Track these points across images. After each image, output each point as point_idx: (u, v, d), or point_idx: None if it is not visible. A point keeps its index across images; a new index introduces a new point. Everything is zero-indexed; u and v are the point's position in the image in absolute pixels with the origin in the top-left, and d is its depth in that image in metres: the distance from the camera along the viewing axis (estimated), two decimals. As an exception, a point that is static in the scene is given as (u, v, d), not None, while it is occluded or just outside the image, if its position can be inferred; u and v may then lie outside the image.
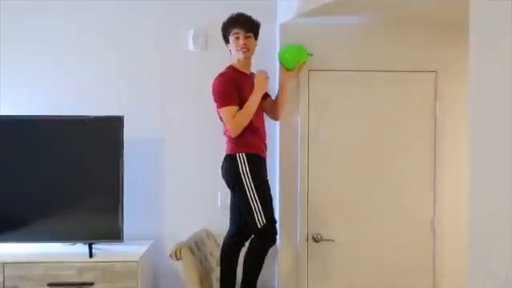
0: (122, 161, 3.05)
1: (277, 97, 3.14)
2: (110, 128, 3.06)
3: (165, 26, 3.35)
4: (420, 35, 3.25)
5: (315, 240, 3.26)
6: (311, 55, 3.13)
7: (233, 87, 2.82)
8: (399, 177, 3.30)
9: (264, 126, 3.01)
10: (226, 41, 2.95)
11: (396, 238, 3.29)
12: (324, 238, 3.26)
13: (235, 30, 2.88)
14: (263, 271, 2.85)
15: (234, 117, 2.81)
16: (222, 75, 2.87)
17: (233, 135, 2.82)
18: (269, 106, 3.13)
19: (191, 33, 3.33)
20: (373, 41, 3.26)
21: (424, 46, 3.25)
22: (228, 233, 2.99)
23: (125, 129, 3.08)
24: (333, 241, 3.26)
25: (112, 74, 3.34)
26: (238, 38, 2.87)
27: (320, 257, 3.27)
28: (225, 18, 2.94)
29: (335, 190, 3.28)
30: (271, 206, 2.84)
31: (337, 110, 3.29)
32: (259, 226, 2.76)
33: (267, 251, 2.82)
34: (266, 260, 2.93)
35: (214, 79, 2.87)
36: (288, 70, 3.11)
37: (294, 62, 3.08)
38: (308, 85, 3.27)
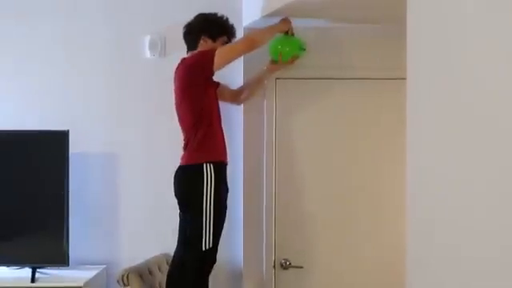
0: (68, 178, 2.85)
1: (251, 83, 2.96)
2: (54, 143, 2.86)
3: (119, 32, 3.11)
4: (392, 41, 2.91)
5: (283, 267, 2.97)
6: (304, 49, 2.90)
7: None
8: (376, 195, 3.00)
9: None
10: (210, 34, 2.76)
11: (371, 265, 2.97)
12: (293, 264, 2.97)
13: (226, 39, 2.83)
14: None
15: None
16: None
17: (216, 61, 2.59)
18: (227, 92, 2.96)
19: (147, 39, 3.08)
20: (343, 46, 2.98)
21: (397, 53, 2.90)
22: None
23: (75, 144, 2.88)
24: (302, 268, 2.96)
25: (62, 85, 3.11)
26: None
27: (288, 286, 2.99)
28: (184, 21, 2.80)
29: (305, 210, 3.00)
30: (221, 232, 2.64)
31: (306, 120, 3.02)
32: (203, 249, 2.56)
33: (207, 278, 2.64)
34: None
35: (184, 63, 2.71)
36: (278, 61, 2.87)
37: (290, 56, 2.86)
38: (275, 94, 3.01)
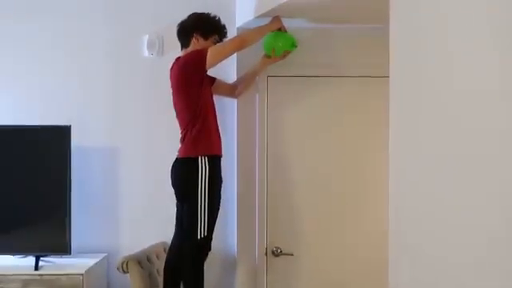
0: (70, 172, 2.98)
1: (246, 77, 3.10)
2: (57, 138, 2.99)
3: (119, 32, 3.25)
4: (381, 41, 3.06)
5: (274, 254, 3.13)
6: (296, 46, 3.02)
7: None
8: (362, 187, 3.16)
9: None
10: (202, 32, 2.89)
11: (357, 252, 3.13)
12: (284, 252, 3.13)
13: (217, 38, 2.94)
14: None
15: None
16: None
17: (208, 59, 2.73)
18: (223, 86, 3.10)
19: (146, 38, 3.22)
20: (334, 45, 3.12)
21: (384, 52, 3.05)
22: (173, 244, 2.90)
23: (77, 138, 3.01)
24: (292, 255, 3.12)
25: (64, 82, 3.24)
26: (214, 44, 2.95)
27: (279, 272, 3.14)
28: (179, 21, 2.93)
29: (295, 201, 3.15)
30: (215, 221, 2.78)
31: (296, 116, 3.17)
32: (199, 237, 2.70)
33: (202, 265, 2.75)
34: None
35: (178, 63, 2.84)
36: (271, 56, 2.99)
37: (282, 51, 2.99)
38: (267, 91, 3.17)
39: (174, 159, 2.84)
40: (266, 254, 3.14)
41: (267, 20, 2.94)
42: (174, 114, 2.88)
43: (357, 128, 3.17)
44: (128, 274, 2.82)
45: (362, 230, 3.15)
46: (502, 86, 1.41)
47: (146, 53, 3.23)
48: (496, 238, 1.42)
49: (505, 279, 1.39)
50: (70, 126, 2.98)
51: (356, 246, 3.15)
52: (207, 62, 2.75)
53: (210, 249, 2.79)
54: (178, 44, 2.95)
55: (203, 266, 2.78)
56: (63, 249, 2.97)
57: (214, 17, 2.95)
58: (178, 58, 2.89)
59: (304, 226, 3.15)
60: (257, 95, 3.17)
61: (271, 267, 3.14)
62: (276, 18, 2.92)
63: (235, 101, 3.18)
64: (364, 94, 3.14)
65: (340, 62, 3.14)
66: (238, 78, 3.15)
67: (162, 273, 2.92)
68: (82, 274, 2.85)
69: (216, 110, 2.90)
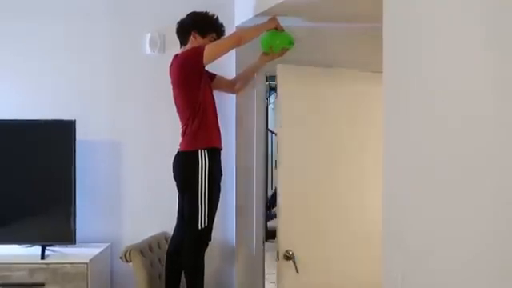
0: (75, 165, 3.08)
1: (245, 73, 3.19)
2: (62, 132, 3.09)
3: (121, 30, 3.34)
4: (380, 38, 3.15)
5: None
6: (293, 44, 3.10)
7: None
8: (359, 181, 3.24)
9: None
10: (199, 30, 2.98)
11: (353, 242, 3.22)
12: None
13: (215, 36, 3.02)
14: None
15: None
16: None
17: (205, 56, 2.82)
18: (223, 82, 3.19)
19: (148, 36, 3.32)
20: (331, 43, 3.24)
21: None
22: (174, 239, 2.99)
23: (82, 132, 3.10)
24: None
25: (68, 79, 3.33)
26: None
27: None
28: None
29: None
30: (215, 212, 2.88)
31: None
32: (199, 228, 2.79)
33: (203, 255, 2.85)
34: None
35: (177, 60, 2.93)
36: (269, 53, 3.07)
37: (280, 48, 3.06)
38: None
39: (174, 152, 2.94)
40: (264, 243, 3.23)
41: (266, 19, 3.01)
42: (175, 109, 2.97)
43: (353, 124, 3.25)
44: (131, 263, 2.91)
45: (357, 220, 3.23)
46: (494, 84, 1.44)
47: (147, 50, 3.33)
48: (490, 234, 1.45)
49: (502, 274, 1.41)
50: (75, 121, 3.08)
51: (352, 237, 3.22)
52: (204, 59, 2.84)
53: (210, 239, 2.88)
54: (178, 41, 3.04)
55: (204, 255, 2.88)
56: (68, 238, 3.07)
57: (212, 15, 3.05)
58: (177, 55, 2.99)
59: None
60: (255, 91, 3.27)
61: (268, 256, 3.25)
62: (272, 18, 3.01)
63: (234, 96, 3.28)
64: (361, 91, 3.22)
65: (337, 60, 3.21)
66: (237, 75, 3.25)
67: (163, 262, 3.02)
68: (86, 263, 2.95)
69: (216, 104, 3.00)
